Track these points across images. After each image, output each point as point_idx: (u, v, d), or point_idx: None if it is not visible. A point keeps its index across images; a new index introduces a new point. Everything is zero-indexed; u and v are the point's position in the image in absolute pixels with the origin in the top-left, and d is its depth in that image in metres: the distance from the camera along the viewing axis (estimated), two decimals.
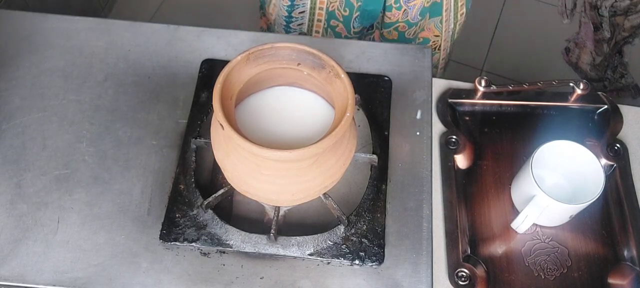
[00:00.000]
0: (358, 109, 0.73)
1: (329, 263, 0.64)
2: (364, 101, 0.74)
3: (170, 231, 0.64)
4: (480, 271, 0.66)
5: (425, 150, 0.71)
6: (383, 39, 0.98)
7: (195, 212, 0.65)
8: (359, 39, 0.99)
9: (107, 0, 1.76)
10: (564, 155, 0.68)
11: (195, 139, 0.69)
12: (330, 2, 0.92)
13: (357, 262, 0.63)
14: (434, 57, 1.03)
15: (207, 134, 0.66)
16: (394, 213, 0.67)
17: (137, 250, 0.63)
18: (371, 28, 0.97)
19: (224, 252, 0.64)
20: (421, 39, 0.98)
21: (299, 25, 0.98)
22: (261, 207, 0.67)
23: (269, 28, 1.07)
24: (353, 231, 0.65)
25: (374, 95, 0.75)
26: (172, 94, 0.75)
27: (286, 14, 0.96)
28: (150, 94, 0.75)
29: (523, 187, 0.68)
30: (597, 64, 0.98)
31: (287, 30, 0.99)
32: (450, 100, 0.78)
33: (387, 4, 0.91)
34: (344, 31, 0.96)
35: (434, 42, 0.99)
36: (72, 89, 0.74)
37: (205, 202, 0.64)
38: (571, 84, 0.77)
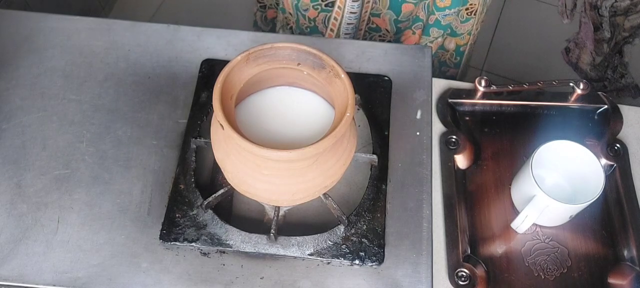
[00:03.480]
0: (358, 109, 0.73)
1: (329, 263, 0.64)
2: (364, 101, 0.74)
3: (170, 231, 0.64)
4: (480, 271, 0.66)
5: (425, 150, 0.71)
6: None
7: (195, 212, 0.65)
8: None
9: (107, 0, 1.76)
10: (564, 155, 0.68)
11: (195, 138, 0.69)
12: None
13: (357, 262, 0.63)
14: (468, 23, 1.01)
15: (207, 134, 0.66)
16: (394, 213, 0.67)
17: (137, 250, 0.63)
18: None
19: (224, 252, 0.64)
20: None
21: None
22: (261, 207, 0.67)
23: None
24: (353, 231, 0.65)
25: (374, 95, 0.75)
26: (172, 94, 0.75)
27: None
28: (150, 94, 0.75)
29: (523, 187, 0.68)
30: (597, 64, 0.98)
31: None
32: (450, 100, 0.78)
33: None
34: None
35: (471, 3, 0.98)
36: (72, 89, 0.74)
37: (205, 202, 0.64)
38: (571, 84, 0.77)
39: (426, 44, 1.02)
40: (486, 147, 0.76)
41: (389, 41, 1.03)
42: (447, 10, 0.96)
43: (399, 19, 0.99)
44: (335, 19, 0.96)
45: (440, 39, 1.03)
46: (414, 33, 1.02)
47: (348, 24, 0.97)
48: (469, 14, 0.99)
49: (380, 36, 1.03)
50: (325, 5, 0.97)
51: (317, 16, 0.99)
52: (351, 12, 0.94)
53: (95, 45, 0.78)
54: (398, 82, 0.76)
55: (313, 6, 0.98)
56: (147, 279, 0.62)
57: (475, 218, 0.71)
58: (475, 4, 0.98)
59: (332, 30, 0.99)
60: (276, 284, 0.62)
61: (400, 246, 0.65)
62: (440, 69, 1.12)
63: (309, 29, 1.03)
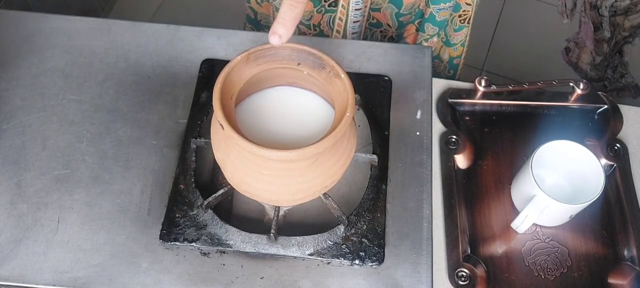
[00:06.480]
0: (358, 109, 0.73)
1: (329, 263, 0.64)
2: (364, 101, 0.74)
3: (170, 231, 0.64)
4: (480, 271, 0.66)
5: (425, 150, 0.71)
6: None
7: (195, 212, 0.65)
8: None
9: (107, 1, 1.76)
10: (564, 155, 0.68)
11: (195, 138, 0.69)
12: None
13: (357, 262, 0.63)
14: (461, 31, 1.01)
15: (207, 134, 0.66)
16: (394, 213, 0.67)
17: (137, 250, 0.64)
18: None
19: (224, 252, 0.64)
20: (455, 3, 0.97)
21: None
22: (261, 207, 0.67)
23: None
24: (353, 231, 0.65)
25: (374, 95, 0.75)
26: (172, 94, 0.75)
27: None
28: (150, 94, 0.75)
29: (523, 187, 0.68)
30: (597, 64, 0.98)
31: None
32: (450, 100, 0.78)
33: None
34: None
35: (464, 10, 0.98)
36: (72, 89, 0.74)
37: (205, 202, 0.64)
38: (571, 84, 0.77)
39: (421, 41, 1.02)
40: (486, 147, 0.76)
41: (391, 37, 1.02)
42: (441, 3, 0.95)
43: (401, 11, 0.98)
44: (340, 19, 0.95)
45: (435, 39, 1.02)
46: (417, 29, 1.02)
47: (354, 22, 0.96)
48: (462, 21, 0.99)
49: (381, 32, 1.02)
50: (329, 6, 0.96)
51: (322, 19, 0.98)
52: (356, 9, 0.93)
53: (95, 45, 0.78)
54: (398, 82, 0.76)
55: (317, 10, 0.96)
56: (147, 279, 0.62)
57: (475, 218, 0.71)
58: (468, 11, 0.97)
59: (338, 31, 0.98)
60: (276, 284, 0.62)
61: (400, 246, 0.65)
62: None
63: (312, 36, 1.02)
